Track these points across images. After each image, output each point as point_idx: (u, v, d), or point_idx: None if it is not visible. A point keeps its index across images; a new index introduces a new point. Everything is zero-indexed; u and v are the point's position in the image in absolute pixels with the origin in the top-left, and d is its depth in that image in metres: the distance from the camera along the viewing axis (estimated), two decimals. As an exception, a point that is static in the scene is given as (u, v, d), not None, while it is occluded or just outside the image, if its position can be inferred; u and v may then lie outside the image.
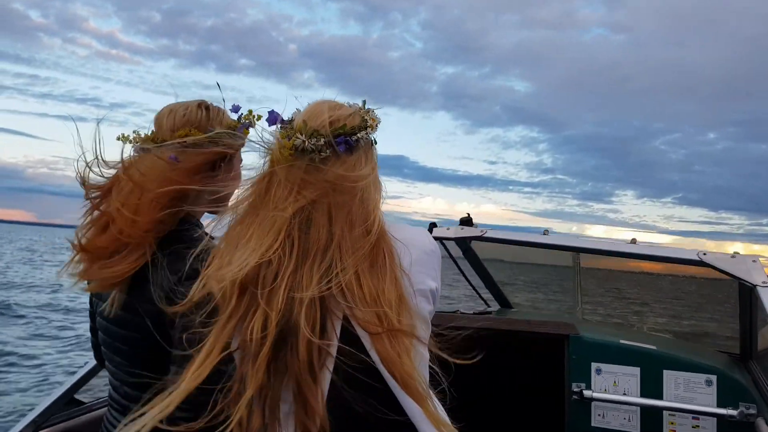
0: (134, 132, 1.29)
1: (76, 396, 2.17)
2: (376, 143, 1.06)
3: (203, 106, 1.31)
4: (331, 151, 0.97)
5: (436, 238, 2.58)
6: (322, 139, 0.96)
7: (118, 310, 1.20)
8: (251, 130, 1.25)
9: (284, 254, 0.89)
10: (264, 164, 0.99)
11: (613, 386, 2.06)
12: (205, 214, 1.34)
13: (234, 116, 1.30)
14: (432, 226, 2.50)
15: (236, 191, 1.05)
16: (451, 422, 0.91)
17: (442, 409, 0.93)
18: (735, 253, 1.97)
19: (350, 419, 0.87)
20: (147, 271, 1.14)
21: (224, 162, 1.29)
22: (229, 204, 1.00)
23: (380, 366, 0.86)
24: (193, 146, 1.21)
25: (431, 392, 0.90)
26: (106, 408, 1.37)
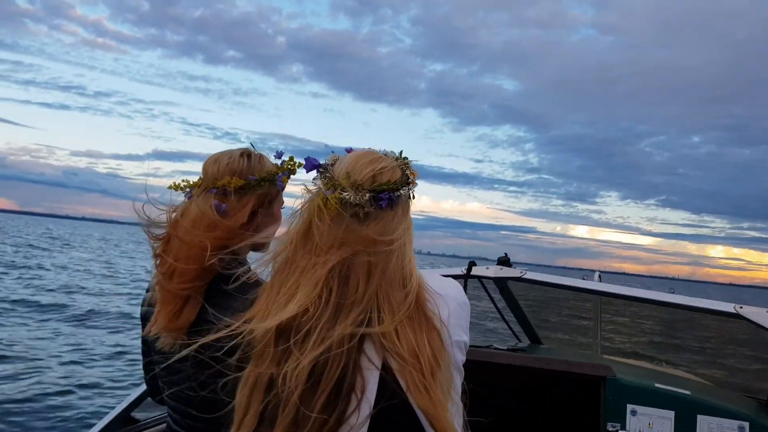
0: (183, 180, 1.39)
1: (133, 414, 2.28)
2: (414, 197, 1.06)
3: (245, 154, 1.39)
4: (374, 207, 0.98)
5: (474, 277, 2.67)
6: (367, 195, 0.97)
7: (178, 349, 1.25)
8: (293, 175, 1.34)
9: (321, 303, 0.91)
10: (300, 210, 1.01)
11: (647, 428, 2.13)
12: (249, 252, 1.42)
13: (277, 161, 1.39)
14: (471, 264, 2.60)
15: (277, 235, 1.08)
16: None
17: None
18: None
19: None
20: (205, 314, 1.22)
21: (263, 207, 1.37)
22: (269, 251, 1.02)
23: (422, 420, 0.88)
24: (234, 193, 1.32)
25: None
26: (165, 425, 1.45)
